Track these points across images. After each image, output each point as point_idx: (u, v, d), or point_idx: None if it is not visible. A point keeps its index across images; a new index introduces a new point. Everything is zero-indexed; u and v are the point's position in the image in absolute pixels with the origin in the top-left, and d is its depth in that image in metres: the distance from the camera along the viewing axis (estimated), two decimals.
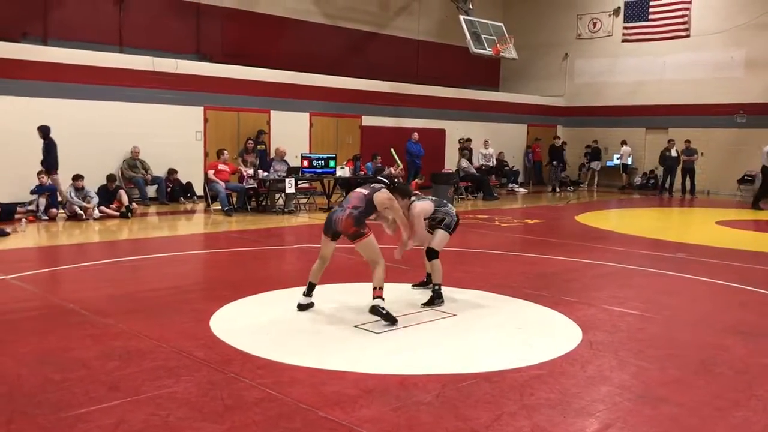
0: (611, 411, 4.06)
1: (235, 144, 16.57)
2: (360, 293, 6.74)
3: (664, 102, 22.54)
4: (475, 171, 19.24)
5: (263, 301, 6.56)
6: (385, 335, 5.44)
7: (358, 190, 6.02)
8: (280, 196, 14.20)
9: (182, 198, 15.36)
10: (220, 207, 13.66)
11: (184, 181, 15.56)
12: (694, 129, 21.32)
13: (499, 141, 22.28)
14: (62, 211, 12.46)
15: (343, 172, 15.03)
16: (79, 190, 12.38)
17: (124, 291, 6.84)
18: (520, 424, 3.81)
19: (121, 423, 3.68)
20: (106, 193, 12.86)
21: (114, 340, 5.12)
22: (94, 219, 12.20)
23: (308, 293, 6.13)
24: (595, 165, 23.46)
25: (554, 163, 21.82)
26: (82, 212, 12.15)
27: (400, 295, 6.60)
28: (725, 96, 21.22)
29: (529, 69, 24.88)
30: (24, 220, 11.33)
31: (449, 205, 6.75)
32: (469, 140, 20.18)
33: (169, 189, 15.30)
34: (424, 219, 6.46)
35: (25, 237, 10.36)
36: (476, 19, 19.52)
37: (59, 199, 12.50)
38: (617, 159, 23.41)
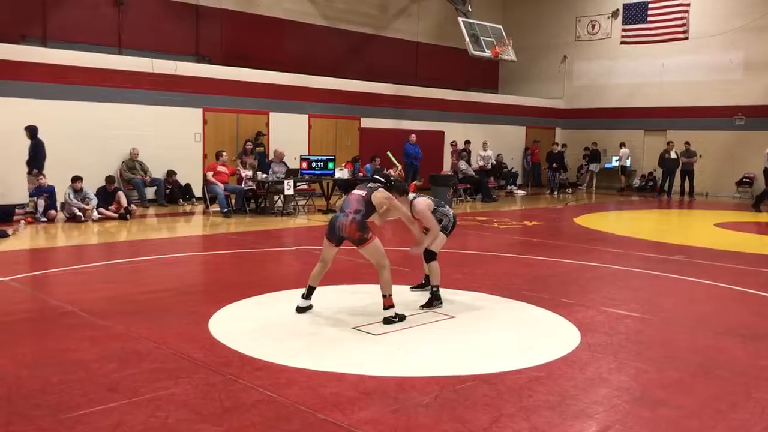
0: (610, 413, 4.06)
1: (234, 146, 16.58)
2: (359, 295, 6.76)
3: (662, 104, 22.58)
4: (473, 173, 19.26)
5: (262, 302, 6.56)
6: (383, 337, 5.44)
7: (355, 191, 6.00)
8: (279, 197, 14.20)
9: (181, 200, 15.37)
10: (218, 209, 13.66)
11: (183, 183, 15.56)
12: (693, 131, 21.34)
13: (498, 143, 22.29)
14: (61, 212, 12.45)
15: (342, 173, 15.04)
16: (78, 191, 12.38)
17: (123, 293, 6.83)
18: (518, 426, 3.81)
19: (120, 425, 3.68)
20: (105, 195, 12.85)
21: (113, 342, 5.12)
22: (93, 221, 12.20)
23: (307, 296, 6.13)
24: (594, 167, 23.47)
25: (554, 165, 21.81)
26: (80, 214, 12.15)
27: (398, 296, 6.57)
28: (724, 98, 21.25)
29: (527, 71, 24.91)
30: (23, 221, 11.33)
31: (447, 206, 6.76)
32: (468, 142, 20.20)
33: (168, 191, 15.30)
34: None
35: (24, 239, 10.35)
36: (475, 21, 19.54)
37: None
38: (616, 161, 23.44)
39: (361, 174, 15.76)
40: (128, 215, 12.64)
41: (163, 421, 3.75)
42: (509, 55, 20.22)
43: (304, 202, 15.11)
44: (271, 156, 15.82)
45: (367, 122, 19.60)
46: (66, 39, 15.08)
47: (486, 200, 18.36)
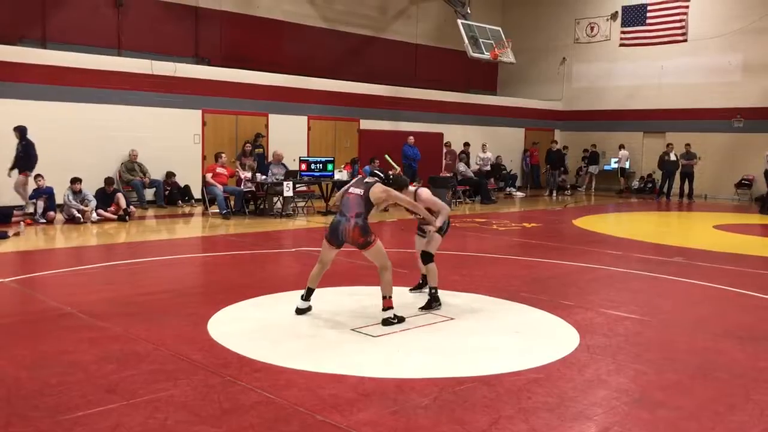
0: (609, 415, 4.06)
1: (234, 147, 16.58)
2: (358, 297, 6.76)
3: (661, 106, 22.59)
4: (472, 174, 19.26)
5: (261, 304, 6.56)
6: (382, 339, 5.44)
7: (353, 190, 5.91)
8: (278, 199, 14.20)
9: (180, 201, 15.36)
10: (218, 210, 13.65)
11: (182, 185, 15.55)
12: (692, 133, 21.32)
13: (497, 145, 22.29)
14: (60, 213, 12.44)
15: (341, 175, 15.04)
16: (77, 193, 12.37)
17: (122, 294, 6.83)
18: (517, 427, 3.81)
19: (119, 426, 3.68)
20: (104, 196, 12.84)
21: (111, 344, 5.12)
22: (92, 222, 12.19)
23: (306, 298, 6.11)
24: (593, 169, 23.49)
25: (549, 166, 21.81)
26: (79, 215, 12.14)
27: (397, 298, 6.57)
28: (722, 100, 21.27)
29: (527, 73, 24.93)
30: (22, 223, 11.32)
31: (445, 204, 6.75)
32: (467, 144, 20.20)
33: (167, 192, 15.30)
34: (417, 217, 6.47)
35: (23, 240, 10.34)
36: (474, 23, 19.55)
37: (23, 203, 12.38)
38: (615, 163, 23.46)
39: (360, 176, 15.73)
40: (127, 217, 12.64)
41: (162, 422, 3.75)
42: (508, 57, 20.24)
43: (304, 203, 15.10)
44: (270, 158, 15.82)
45: (366, 124, 19.61)
46: (65, 40, 15.07)
47: (485, 202, 18.37)
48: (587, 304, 6.81)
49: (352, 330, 5.64)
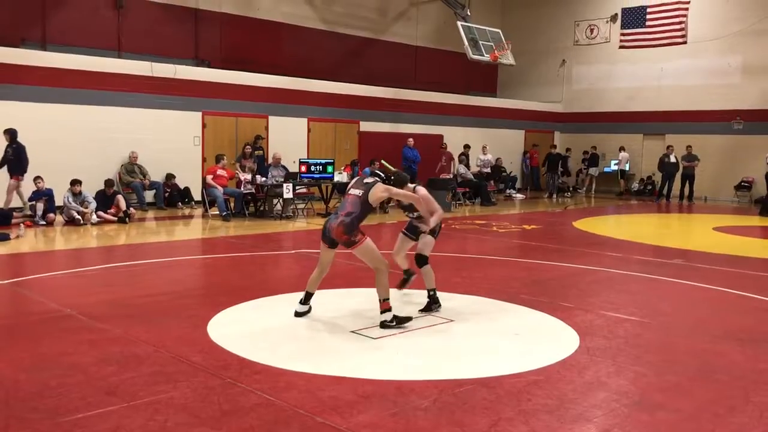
0: (608, 417, 4.06)
1: (234, 149, 16.58)
2: (358, 298, 6.76)
3: (661, 108, 22.61)
4: (472, 176, 19.27)
5: (261, 306, 6.55)
6: (382, 341, 5.44)
7: (352, 191, 5.89)
8: (278, 201, 14.20)
9: (180, 203, 15.37)
10: (218, 212, 13.66)
11: (182, 187, 15.57)
12: (691, 135, 21.35)
13: (497, 147, 22.30)
14: (60, 215, 12.44)
15: (341, 177, 15.05)
16: (77, 194, 12.37)
17: (122, 296, 6.83)
18: (517, 429, 3.81)
19: (119, 428, 3.68)
20: (104, 198, 12.85)
21: (111, 346, 5.12)
22: (92, 224, 12.19)
23: (305, 301, 6.10)
24: (593, 171, 23.50)
25: (545, 168, 21.80)
26: (79, 217, 12.14)
27: (395, 300, 6.59)
28: (722, 102, 21.29)
29: (526, 75, 24.95)
30: (22, 225, 11.32)
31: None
32: (467, 146, 20.20)
33: (167, 194, 15.30)
34: (411, 215, 6.47)
35: (23, 242, 10.34)
36: (474, 26, 19.57)
37: (1, 205, 12.33)
38: (615, 165, 23.47)
39: (360, 176, 15.73)
40: (127, 219, 12.64)
41: (162, 424, 3.75)
42: (508, 59, 20.26)
43: (303, 205, 15.11)
44: (270, 160, 15.83)
45: (366, 126, 19.62)
46: (65, 42, 15.08)
47: (485, 204, 18.37)
48: (587, 306, 6.81)
49: (352, 332, 5.64)
